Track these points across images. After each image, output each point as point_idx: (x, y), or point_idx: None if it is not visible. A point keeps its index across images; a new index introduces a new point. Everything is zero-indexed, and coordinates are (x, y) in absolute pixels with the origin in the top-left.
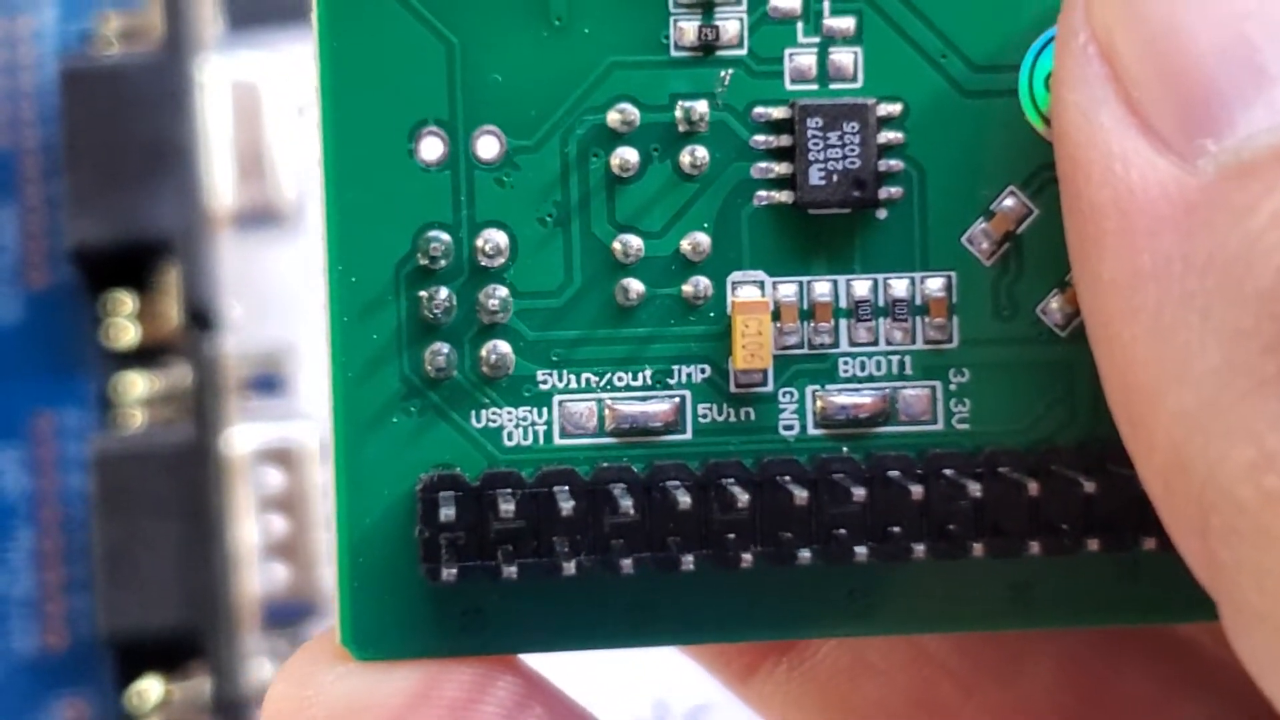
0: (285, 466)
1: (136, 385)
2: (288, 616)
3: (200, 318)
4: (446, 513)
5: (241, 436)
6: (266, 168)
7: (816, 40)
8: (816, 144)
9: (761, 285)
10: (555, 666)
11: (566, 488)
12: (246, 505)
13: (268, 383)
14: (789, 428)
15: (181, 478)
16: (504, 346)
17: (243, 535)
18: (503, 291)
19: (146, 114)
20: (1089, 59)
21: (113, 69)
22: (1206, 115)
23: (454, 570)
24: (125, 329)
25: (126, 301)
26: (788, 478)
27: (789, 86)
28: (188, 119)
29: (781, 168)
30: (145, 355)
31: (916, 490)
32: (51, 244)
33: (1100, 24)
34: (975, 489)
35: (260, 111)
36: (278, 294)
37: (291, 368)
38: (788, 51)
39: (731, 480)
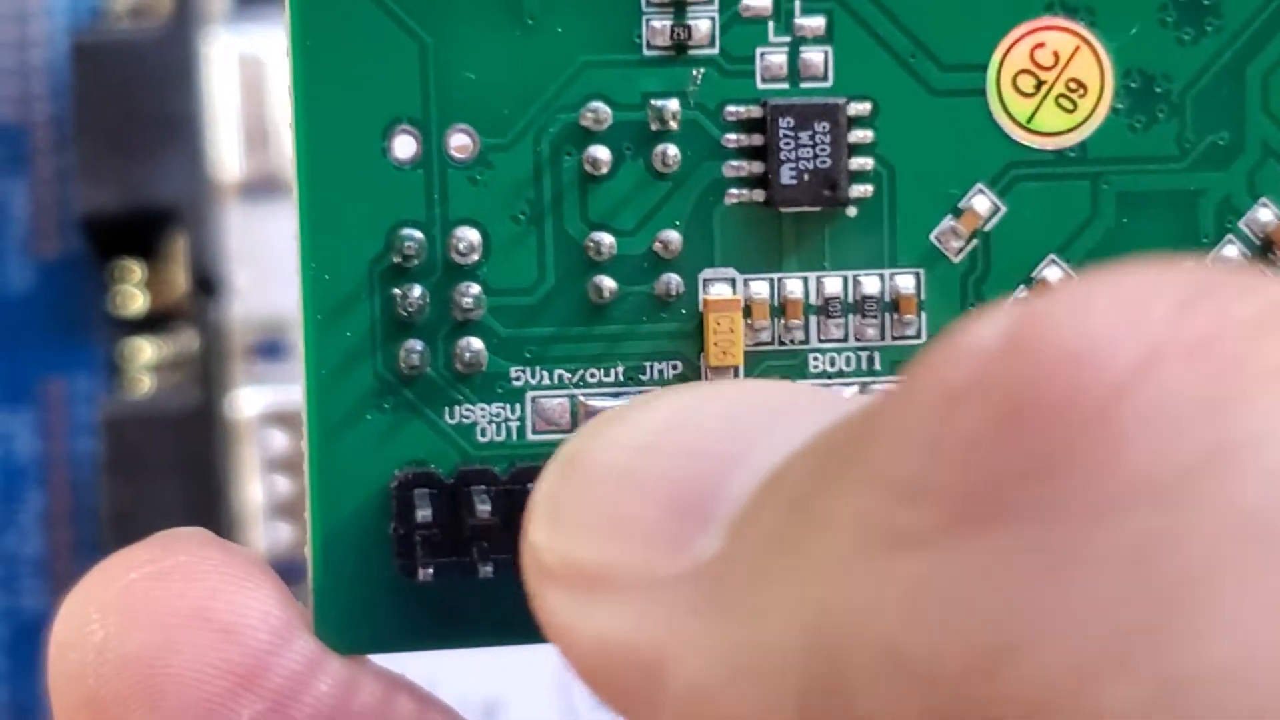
0: (289, 429)
1: (144, 351)
2: (291, 574)
3: (206, 285)
4: (423, 513)
5: (246, 400)
6: (271, 140)
7: (787, 40)
8: (788, 143)
9: (733, 283)
10: (534, 654)
11: None
12: (251, 466)
13: (272, 348)
14: None
15: (188, 440)
16: (477, 343)
17: (248, 496)
18: (476, 289)
19: (155, 87)
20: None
21: (122, 43)
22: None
23: (430, 569)
24: (134, 296)
25: (135, 269)
26: None
27: (760, 86)
28: (195, 92)
29: (753, 166)
30: (153, 322)
31: None
32: (62, 214)
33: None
34: None
35: (266, 85)
36: (282, 262)
37: (295, 333)
38: (759, 51)
39: None
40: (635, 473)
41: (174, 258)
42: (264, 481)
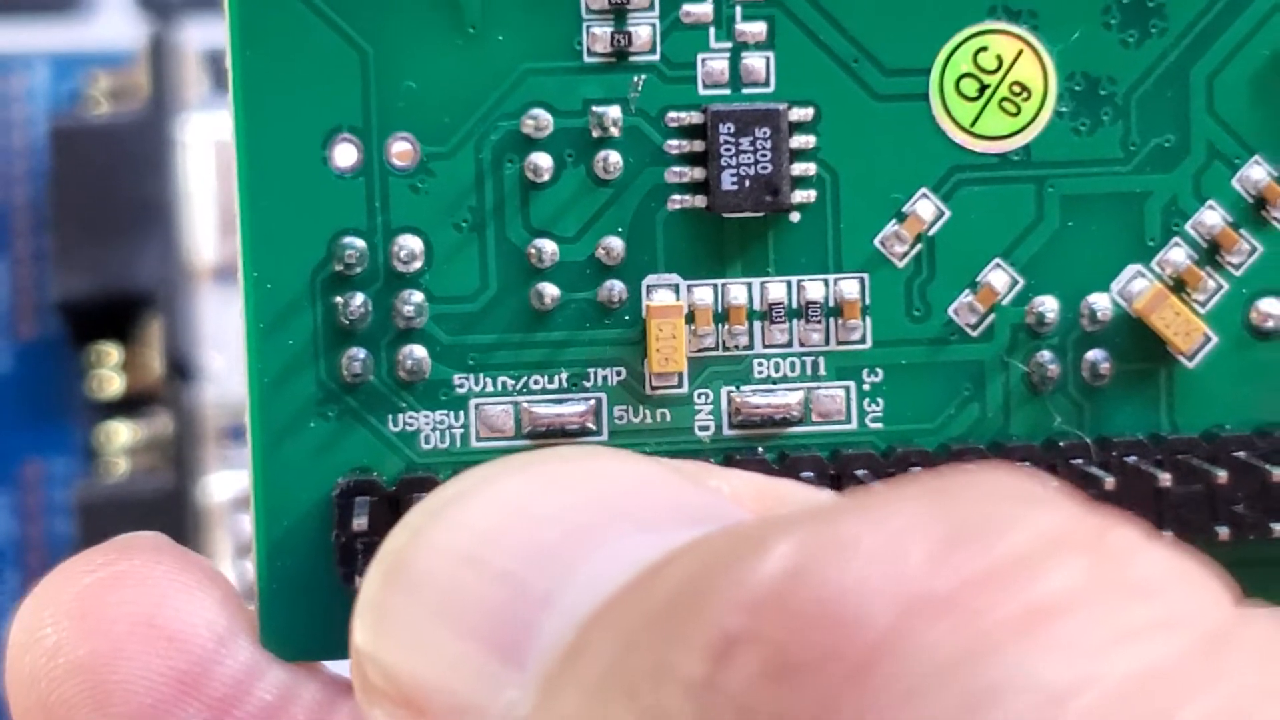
0: None
1: (120, 434)
2: None
3: (181, 369)
4: (359, 521)
5: (219, 484)
6: None
7: (729, 45)
8: (728, 149)
9: (676, 289)
10: None
11: None
12: (224, 550)
13: (244, 431)
14: (704, 428)
15: (162, 524)
16: (420, 351)
17: None
18: (418, 297)
19: (132, 171)
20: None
21: (100, 128)
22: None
23: None
24: (110, 380)
25: (111, 353)
26: None
27: (702, 91)
28: (171, 177)
29: (695, 172)
30: (128, 405)
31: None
32: (40, 297)
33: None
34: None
35: None
36: None
37: None
38: (700, 57)
39: None
40: (453, 594)
41: (149, 342)
42: (235, 566)
